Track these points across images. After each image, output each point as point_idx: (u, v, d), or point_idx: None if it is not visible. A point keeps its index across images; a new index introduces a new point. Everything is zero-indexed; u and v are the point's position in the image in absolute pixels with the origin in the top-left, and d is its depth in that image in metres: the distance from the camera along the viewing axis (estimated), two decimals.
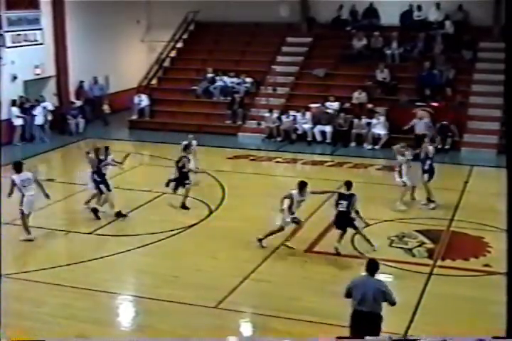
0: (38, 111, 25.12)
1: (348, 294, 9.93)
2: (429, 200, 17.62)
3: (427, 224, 16.21)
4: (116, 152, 22.23)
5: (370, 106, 24.88)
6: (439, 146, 22.49)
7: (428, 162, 17.49)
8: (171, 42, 30.29)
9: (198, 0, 29.63)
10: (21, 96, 25.00)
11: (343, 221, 14.64)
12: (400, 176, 17.44)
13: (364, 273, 10.10)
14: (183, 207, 17.32)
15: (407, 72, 26.24)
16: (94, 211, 16.52)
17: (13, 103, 24.60)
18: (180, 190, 17.47)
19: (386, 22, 27.95)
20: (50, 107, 25.60)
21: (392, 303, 9.84)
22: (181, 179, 17.33)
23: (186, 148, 18.12)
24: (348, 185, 15.02)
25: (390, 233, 15.60)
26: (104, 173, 16.81)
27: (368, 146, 24.01)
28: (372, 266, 10.02)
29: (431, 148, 17.75)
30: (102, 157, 16.93)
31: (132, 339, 11.52)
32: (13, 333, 10.17)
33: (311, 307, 11.99)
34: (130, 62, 30.76)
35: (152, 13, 31.64)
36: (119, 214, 16.55)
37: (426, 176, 17.49)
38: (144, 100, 27.58)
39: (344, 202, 14.59)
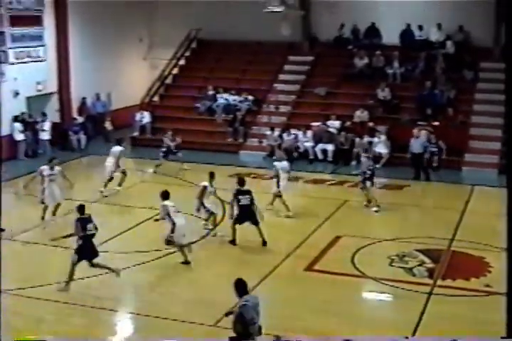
0: (46, 127, 25.23)
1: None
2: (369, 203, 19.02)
3: (427, 243, 16.17)
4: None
5: (371, 124, 24.91)
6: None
7: (368, 172, 19.01)
8: (173, 59, 30.42)
9: (200, 18, 29.81)
10: (23, 113, 25.05)
11: (248, 214, 15.81)
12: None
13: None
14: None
15: (409, 91, 26.30)
16: None
17: (16, 119, 24.66)
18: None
19: (387, 41, 28.06)
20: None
21: None
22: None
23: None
24: (241, 181, 16.36)
25: (390, 252, 15.57)
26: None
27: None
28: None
29: (365, 160, 19.34)
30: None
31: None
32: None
33: (308, 327, 11.94)
34: (132, 79, 30.85)
35: (154, 31, 31.78)
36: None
37: (368, 183, 18.96)
38: (145, 117, 27.65)
39: (248, 197, 15.83)
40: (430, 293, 13.51)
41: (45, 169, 17.54)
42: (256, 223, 16.03)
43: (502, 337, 8.53)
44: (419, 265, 14.98)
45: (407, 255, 15.47)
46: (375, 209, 18.82)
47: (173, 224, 14.68)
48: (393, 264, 15.04)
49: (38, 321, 12.28)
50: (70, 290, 13.51)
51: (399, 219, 18.63)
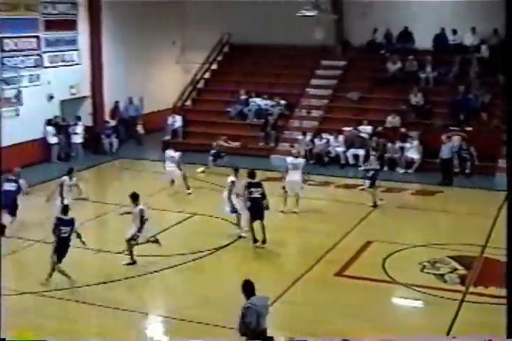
0: (79, 130, 25.47)
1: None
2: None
3: (459, 249, 16.03)
4: (149, 172, 22.49)
5: (403, 130, 24.77)
6: (456, 170, 22.56)
7: (371, 171, 19.61)
8: (206, 63, 30.52)
9: (232, 22, 29.89)
10: (56, 116, 25.28)
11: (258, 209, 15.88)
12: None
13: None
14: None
15: (441, 96, 26.11)
16: None
17: (49, 122, 24.89)
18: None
19: (420, 45, 27.89)
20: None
21: None
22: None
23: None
24: (252, 174, 16.40)
25: (422, 258, 15.45)
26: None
27: (401, 170, 23.87)
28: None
29: (373, 159, 20.00)
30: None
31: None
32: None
33: (339, 331, 11.88)
34: (165, 83, 30.97)
35: (187, 35, 31.88)
36: None
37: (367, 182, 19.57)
38: (177, 121, 27.74)
39: (259, 190, 16.01)
40: (462, 300, 13.37)
41: (65, 180, 17.66)
42: (261, 218, 16.07)
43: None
44: (451, 271, 14.86)
45: (439, 261, 15.35)
46: (370, 204, 19.43)
47: (142, 225, 14.91)
48: (425, 270, 14.92)
49: (72, 323, 12.35)
50: (106, 292, 13.59)
51: (431, 224, 18.49)
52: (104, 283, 14.10)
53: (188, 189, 21.08)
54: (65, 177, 17.73)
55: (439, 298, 13.51)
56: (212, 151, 23.62)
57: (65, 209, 14.48)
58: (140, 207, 15.17)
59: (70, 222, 14.20)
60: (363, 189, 20.16)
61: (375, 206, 19.37)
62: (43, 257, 15.24)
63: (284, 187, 18.90)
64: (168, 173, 21.08)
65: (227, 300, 13.23)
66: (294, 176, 18.80)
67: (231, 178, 16.98)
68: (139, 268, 14.80)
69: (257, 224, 16.08)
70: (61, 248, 14.04)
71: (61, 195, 17.46)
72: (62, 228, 14.01)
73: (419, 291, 13.70)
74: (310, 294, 13.71)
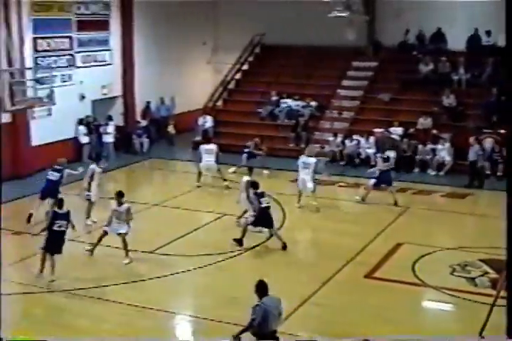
0: (110, 130, 25.62)
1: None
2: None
3: (490, 253, 15.86)
4: (179, 172, 22.55)
5: (435, 132, 24.60)
6: (488, 172, 22.49)
7: (377, 172, 20.11)
8: (237, 64, 30.56)
9: (264, 23, 29.90)
10: (88, 116, 25.45)
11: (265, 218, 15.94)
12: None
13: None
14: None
15: (474, 97, 25.88)
16: None
17: (80, 122, 25.07)
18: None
19: (453, 47, 27.67)
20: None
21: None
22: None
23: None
24: (255, 184, 16.46)
25: (453, 261, 15.33)
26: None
27: (432, 172, 23.71)
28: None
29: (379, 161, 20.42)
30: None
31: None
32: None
33: (367, 334, 11.82)
34: (196, 83, 31.06)
35: (219, 36, 31.98)
36: None
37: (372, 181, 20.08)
38: (208, 121, 27.79)
39: (267, 199, 16.24)
40: (493, 304, 13.23)
41: (96, 168, 17.81)
42: (271, 226, 16.21)
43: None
44: (482, 275, 14.71)
45: (470, 264, 15.21)
46: (357, 197, 20.16)
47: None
48: (455, 273, 14.81)
49: (99, 321, 12.42)
50: (134, 291, 13.66)
51: (461, 227, 18.37)
52: (133, 282, 14.17)
53: (225, 180, 21.34)
54: (94, 166, 18.03)
55: (469, 301, 13.39)
56: (246, 150, 23.61)
57: (60, 202, 14.61)
58: (126, 205, 15.50)
59: (66, 216, 14.36)
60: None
61: (395, 204, 19.62)
62: (72, 255, 15.38)
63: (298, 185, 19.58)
64: (205, 166, 21.25)
65: (254, 300, 13.21)
66: (304, 175, 19.32)
67: (246, 178, 17.23)
68: (168, 268, 14.85)
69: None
70: (54, 241, 14.19)
71: (90, 182, 17.82)
72: (57, 222, 14.20)
73: (449, 294, 13.60)
74: (339, 296, 13.66)
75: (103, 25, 26.27)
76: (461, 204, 20.34)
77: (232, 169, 23.23)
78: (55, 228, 14.18)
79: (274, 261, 15.46)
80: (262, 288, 9.89)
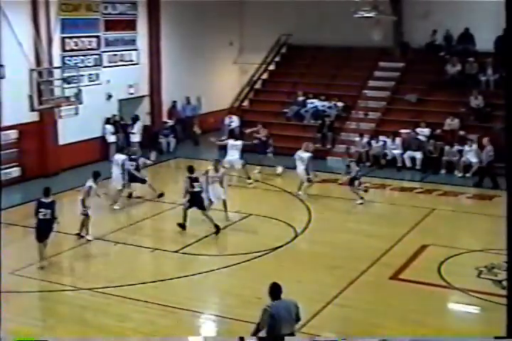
0: (136, 129, 25.71)
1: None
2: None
3: None
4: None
5: (462, 133, 24.44)
6: None
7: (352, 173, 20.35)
8: (263, 64, 30.56)
9: (291, 23, 29.89)
10: (115, 115, 25.58)
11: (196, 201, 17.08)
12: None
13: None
14: None
15: (502, 99, 25.58)
16: None
17: (107, 121, 25.20)
18: None
19: (481, 47, 27.46)
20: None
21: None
22: None
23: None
24: (191, 169, 17.62)
25: (479, 263, 15.21)
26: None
27: (458, 174, 23.54)
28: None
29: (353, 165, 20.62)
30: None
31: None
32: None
33: (392, 335, 11.76)
34: (222, 83, 31.12)
35: (245, 36, 31.99)
36: None
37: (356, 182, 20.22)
38: (234, 121, 27.80)
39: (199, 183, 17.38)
40: None
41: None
42: (203, 209, 17.21)
43: (496, 337, 8.25)
44: None
45: (497, 267, 15.07)
46: (359, 201, 19.86)
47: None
48: (481, 276, 14.69)
49: (123, 319, 12.47)
50: (158, 290, 13.71)
51: (488, 229, 18.20)
52: (158, 281, 14.21)
53: (249, 178, 21.45)
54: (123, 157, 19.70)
55: (496, 304, 13.26)
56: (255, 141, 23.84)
57: (46, 191, 14.88)
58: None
59: (50, 205, 14.66)
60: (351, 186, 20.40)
61: (361, 198, 19.94)
62: (99, 254, 15.49)
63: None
64: (229, 162, 21.38)
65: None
66: (299, 168, 20.67)
67: (208, 168, 18.33)
68: (193, 268, 14.88)
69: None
70: (41, 229, 14.62)
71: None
72: (41, 210, 14.53)
73: (475, 297, 13.50)
74: (364, 297, 13.60)
75: (130, 25, 26.39)
76: (487, 206, 20.18)
77: (258, 169, 23.25)
78: (40, 216, 14.54)
79: (299, 261, 15.43)
80: (274, 291, 9.72)
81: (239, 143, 22.13)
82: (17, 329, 10.63)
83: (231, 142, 22.22)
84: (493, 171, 22.11)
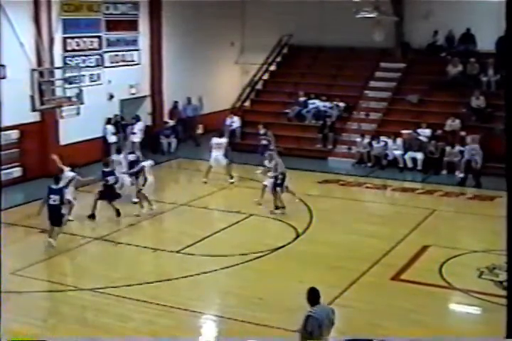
0: (137, 129, 25.71)
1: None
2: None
3: None
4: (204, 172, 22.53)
5: (463, 133, 24.43)
6: None
7: (281, 176, 18.87)
8: (265, 64, 30.57)
9: (292, 23, 29.88)
10: (117, 115, 25.58)
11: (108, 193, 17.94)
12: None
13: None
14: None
15: (503, 99, 25.56)
16: None
17: (108, 121, 25.20)
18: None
19: (483, 48, 27.45)
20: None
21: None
22: None
23: None
24: (106, 162, 18.68)
25: (480, 264, 15.20)
26: None
27: (460, 174, 23.52)
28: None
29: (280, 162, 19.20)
30: None
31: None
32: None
33: (392, 335, 11.76)
34: (223, 83, 31.12)
35: (246, 36, 31.96)
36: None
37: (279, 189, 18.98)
38: (235, 122, 27.79)
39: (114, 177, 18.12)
40: None
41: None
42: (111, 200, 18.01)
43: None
44: None
45: (498, 267, 15.05)
46: (279, 211, 18.75)
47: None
48: (483, 276, 14.68)
49: (124, 320, 12.47)
50: (160, 290, 13.71)
51: (489, 230, 18.15)
52: (159, 281, 14.22)
53: (232, 178, 21.52)
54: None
55: (497, 305, 13.25)
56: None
57: (56, 179, 16.30)
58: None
59: (59, 191, 15.89)
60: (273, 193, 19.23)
61: (282, 208, 18.84)
62: (100, 254, 15.50)
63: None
64: (214, 160, 21.43)
65: (280, 301, 13.23)
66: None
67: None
68: (194, 268, 14.87)
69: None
70: (51, 214, 15.77)
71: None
72: (51, 196, 15.72)
73: (476, 297, 13.49)
74: (365, 298, 13.59)
75: (132, 25, 26.39)
76: (489, 207, 20.17)
77: (260, 170, 23.17)
78: (51, 202, 15.71)
79: (301, 261, 15.43)
80: (314, 296, 9.50)
81: (224, 140, 22.17)
82: (16, 330, 10.66)
83: (215, 140, 22.17)
84: (476, 170, 22.21)
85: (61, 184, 16.41)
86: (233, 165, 22.18)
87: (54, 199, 15.68)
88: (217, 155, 21.75)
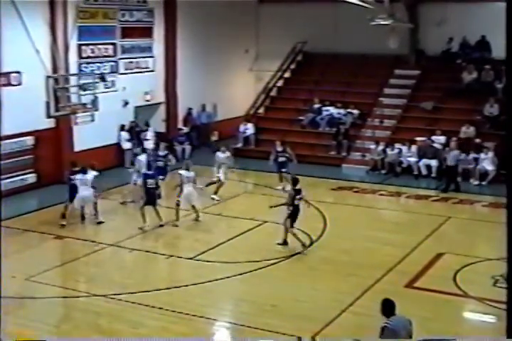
0: (149, 136, 25.75)
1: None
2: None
3: None
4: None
5: (478, 141, 24.34)
6: None
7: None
8: (279, 71, 30.60)
9: (305, 30, 29.91)
10: (132, 122, 25.65)
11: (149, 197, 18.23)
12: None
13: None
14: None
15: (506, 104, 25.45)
16: None
17: (123, 128, 25.27)
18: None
19: (498, 55, 27.32)
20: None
21: None
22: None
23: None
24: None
25: (495, 272, 15.06)
26: None
27: (474, 182, 23.43)
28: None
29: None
30: None
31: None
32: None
33: None
34: (238, 90, 31.17)
35: (261, 43, 32.04)
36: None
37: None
38: (249, 128, 27.85)
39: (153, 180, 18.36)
40: None
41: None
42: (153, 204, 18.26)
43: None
44: None
45: None
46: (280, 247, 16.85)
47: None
48: (497, 284, 14.56)
49: (137, 326, 12.46)
50: (172, 297, 13.70)
51: (504, 238, 18.07)
52: (173, 288, 14.21)
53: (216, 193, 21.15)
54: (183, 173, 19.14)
55: None
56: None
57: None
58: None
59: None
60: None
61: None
62: (114, 261, 15.52)
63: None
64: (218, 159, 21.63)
65: (293, 308, 13.20)
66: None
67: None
68: (207, 275, 14.86)
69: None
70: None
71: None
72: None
73: (491, 305, 13.39)
74: (379, 305, 13.51)
75: (146, 32, 26.48)
76: (503, 214, 20.00)
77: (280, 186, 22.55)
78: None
79: (314, 268, 15.41)
80: (389, 307, 9.46)
81: (224, 156, 22.00)
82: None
83: (218, 154, 22.07)
84: (455, 174, 22.21)
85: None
86: (247, 172, 22.08)
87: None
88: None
